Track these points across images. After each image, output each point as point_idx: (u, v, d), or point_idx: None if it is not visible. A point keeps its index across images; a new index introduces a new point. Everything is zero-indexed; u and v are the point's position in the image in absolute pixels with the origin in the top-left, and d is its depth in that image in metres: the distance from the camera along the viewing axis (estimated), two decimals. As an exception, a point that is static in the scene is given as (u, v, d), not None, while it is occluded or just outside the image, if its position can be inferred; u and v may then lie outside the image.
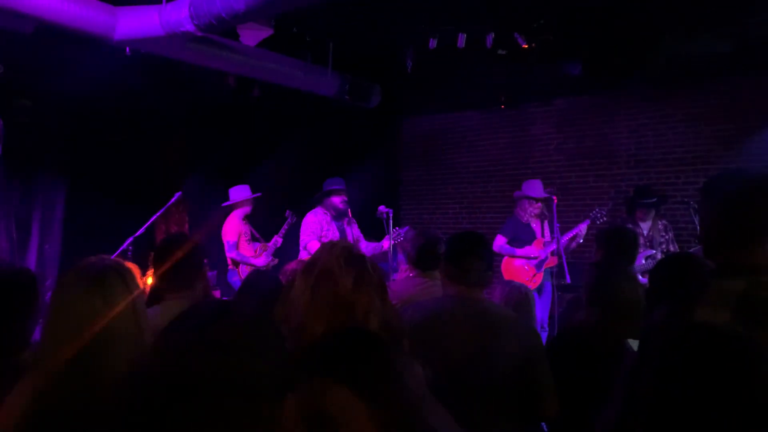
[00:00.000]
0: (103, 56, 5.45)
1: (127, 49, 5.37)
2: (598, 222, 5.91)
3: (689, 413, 1.10)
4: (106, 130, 6.25)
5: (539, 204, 6.05)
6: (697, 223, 5.72)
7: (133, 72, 5.88)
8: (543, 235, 6.05)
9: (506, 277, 5.96)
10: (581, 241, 5.91)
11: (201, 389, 0.96)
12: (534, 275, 5.91)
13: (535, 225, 6.10)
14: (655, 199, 5.84)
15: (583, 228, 5.81)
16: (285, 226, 6.03)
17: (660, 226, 5.84)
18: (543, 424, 3.35)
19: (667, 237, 5.81)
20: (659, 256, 5.56)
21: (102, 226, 5.94)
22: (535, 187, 6.15)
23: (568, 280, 5.56)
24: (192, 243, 2.46)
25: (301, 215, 6.18)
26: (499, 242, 6.07)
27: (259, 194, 6.17)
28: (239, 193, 6.12)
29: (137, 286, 1.63)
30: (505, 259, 6.09)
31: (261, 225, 6.51)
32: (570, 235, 5.85)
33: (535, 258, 5.95)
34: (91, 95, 5.81)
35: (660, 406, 1.12)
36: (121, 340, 1.52)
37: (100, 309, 1.52)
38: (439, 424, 1.24)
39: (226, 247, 5.92)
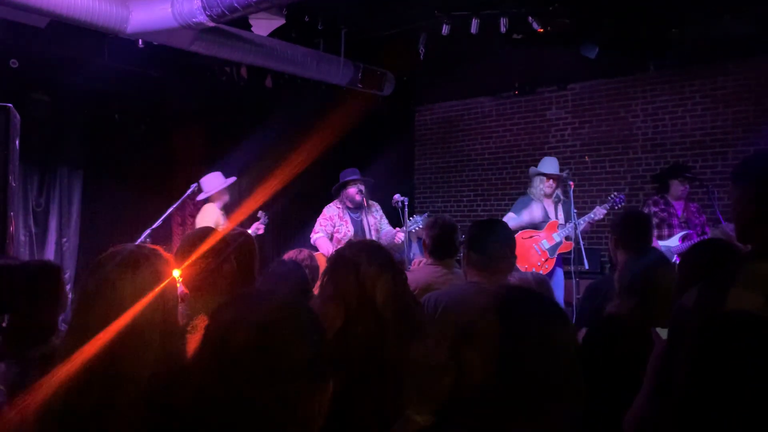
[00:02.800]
0: (116, 49, 5.46)
1: (140, 41, 5.37)
2: (616, 208, 5.55)
3: (728, 400, 1.08)
4: (120, 122, 6.27)
5: (551, 182, 5.65)
6: (716, 206, 5.65)
7: (146, 64, 5.89)
8: (557, 218, 5.68)
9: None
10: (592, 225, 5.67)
11: (242, 367, 1.03)
12: (546, 260, 5.50)
13: (548, 206, 5.70)
14: (689, 174, 5.65)
15: (600, 213, 5.46)
16: (259, 225, 5.82)
17: (693, 208, 5.61)
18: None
19: (701, 220, 5.56)
20: (695, 238, 5.29)
21: (119, 219, 5.98)
22: (549, 164, 5.77)
23: (587, 266, 5.43)
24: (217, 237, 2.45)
25: (315, 206, 6.18)
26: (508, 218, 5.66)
27: (233, 179, 5.83)
28: (212, 182, 5.74)
29: (169, 276, 1.56)
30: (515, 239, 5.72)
31: (279, 215, 6.51)
32: (588, 220, 5.49)
33: (536, 229, 5.54)
34: (106, 88, 5.83)
35: (697, 392, 1.10)
36: (148, 331, 1.46)
37: (128, 297, 1.47)
38: None
39: None
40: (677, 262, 2.78)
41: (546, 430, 1.14)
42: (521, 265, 5.52)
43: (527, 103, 8.03)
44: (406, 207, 5.51)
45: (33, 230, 6.00)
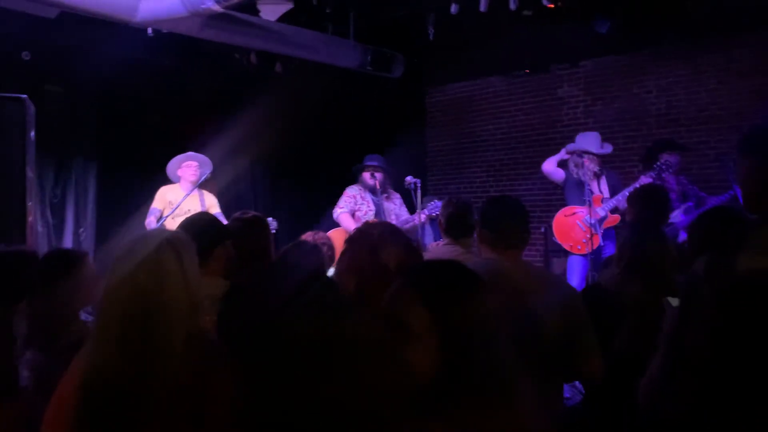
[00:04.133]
0: (126, 38, 5.48)
1: (149, 29, 5.39)
2: (663, 174, 5.17)
3: (747, 358, 1.08)
4: (133, 112, 6.30)
5: (598, 159, 5.42)
6: (732, 180, 5.57)
7: (156, 53, 5.91)
8: (600, 191, 5.42)
9: (558, 236, 5.46)
10: None
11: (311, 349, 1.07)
12: (591, 236, 5.20)
13: (592, 184, 5.38)
14: (677, 144, 5.57)
15: (645, 182, 5.03)
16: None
17: (683, 180, 5.50)
18: (579, 384, 3.35)
19: (694, 189, 5.43)
20: (695, 210, 5.15)
21: (134, 208, 6.02)
22: (594, 141, 5.52)
23: (602, 242, 5.38)
24: (209, 221, 2.48)
25: (327, 190, 6.22)
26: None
27: (189, 153, 5.63)
28: (174, 162, 5.64)
29: (191, 259, 1.61)
30: (558, 217, 5.49)
31: (291, 200, 6.50)
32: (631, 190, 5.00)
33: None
34: (117, 78, 5.86)
35: (717, 355, 1.11)
36: (172, 314, 1.51)
37: (151, 282, 1.51)
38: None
39: (149, 213, 5.47)
40: (684, 237, 2.79)
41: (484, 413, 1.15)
42: (566, 243, 5.41)
43: (539, 82, 7.96)
44: (419, 189, 5.54)
45: (50, 221, 6.07)
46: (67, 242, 6.12)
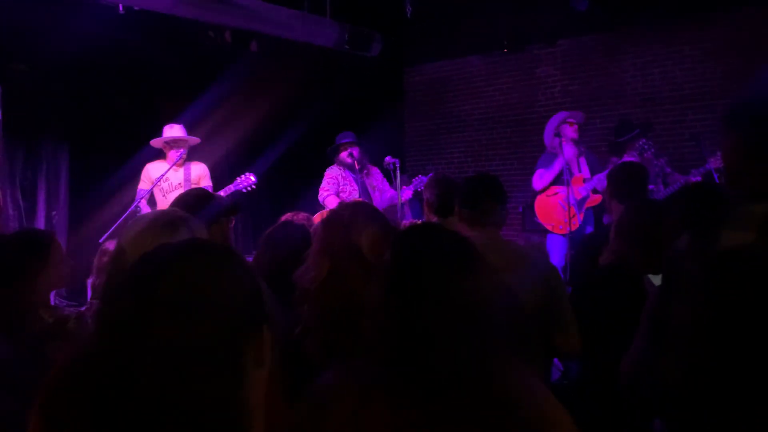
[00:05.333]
0: (96, 16, 5.34)
1: (120, 6, 5.25)
2: (645, 155, 5.22)
3: (730, 333, 1.08)
4: (105, 91, 6.17)
5: (576, 127, 5.43)
6: (707, 157, 5.62)
7: (129, 31, 5.77)
8: (580, 171, 5.47)
9: (540, 217, 5.50)
10: None
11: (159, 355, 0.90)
12: (573, 216, 5.20)
13: (571, 160, 5.43)
14: (638, 130, 5.57)
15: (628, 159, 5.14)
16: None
17: (648, 156, 5.36)
18: (557, 361, 3.37)
19: (659, 163, 5.38)
20: (662, 188, 5.21)
21: (108, 189, 5.92)
22: (560, 115, 5.58)
23: (580, 221, 5.41)
24: (204, 197, 2.43)
25: (306, 171, 6.16)
26: (539, 175, 5.50)
27: (177, 136, 5.26)
28: (166, 133, 5.27)
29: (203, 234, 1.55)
30: (539, 197, 5.52)
31: (268, 181, 6.43)
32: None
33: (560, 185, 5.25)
34: (88, 56, 5.71)
35: (701, 331, 1.10)
36: None
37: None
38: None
39: (137, 196, 5.17)
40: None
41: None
42: (548, 224, 5.44)
43: (516, 61, 7.95)
44: (398, 169, 5.51)
45: (21, 204, 5.94)
46: (39, 225, 6.00)
